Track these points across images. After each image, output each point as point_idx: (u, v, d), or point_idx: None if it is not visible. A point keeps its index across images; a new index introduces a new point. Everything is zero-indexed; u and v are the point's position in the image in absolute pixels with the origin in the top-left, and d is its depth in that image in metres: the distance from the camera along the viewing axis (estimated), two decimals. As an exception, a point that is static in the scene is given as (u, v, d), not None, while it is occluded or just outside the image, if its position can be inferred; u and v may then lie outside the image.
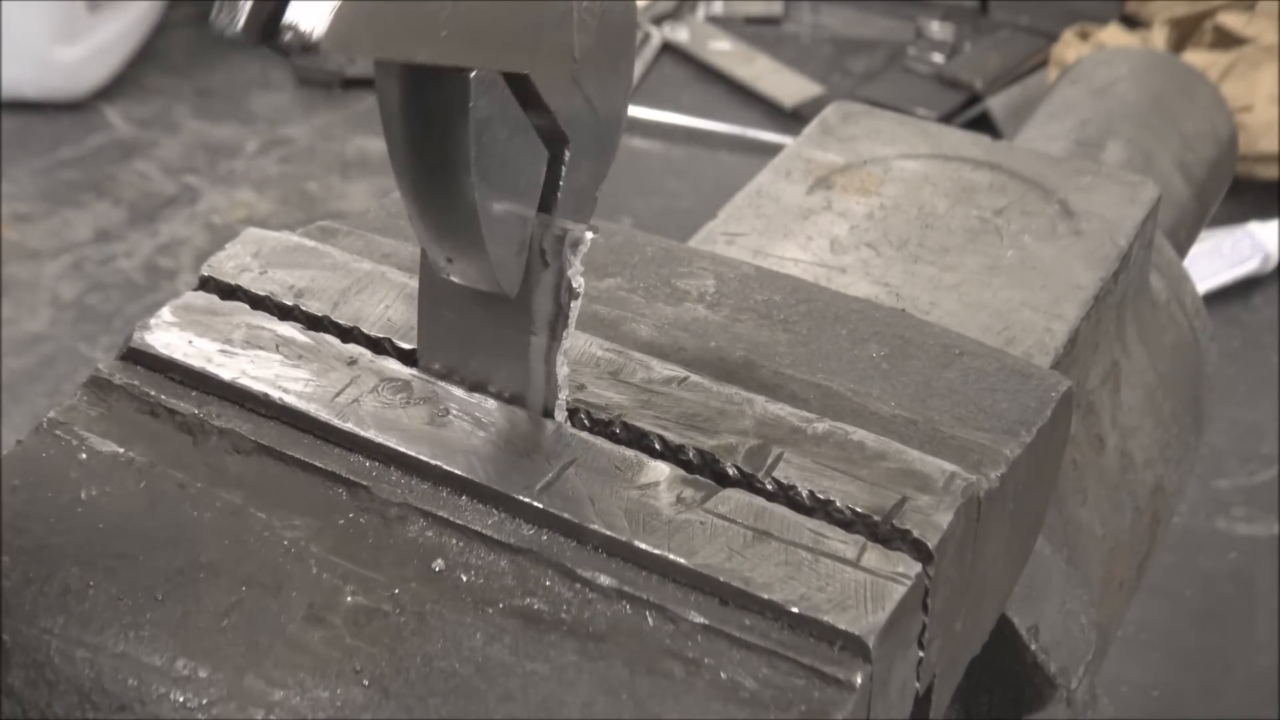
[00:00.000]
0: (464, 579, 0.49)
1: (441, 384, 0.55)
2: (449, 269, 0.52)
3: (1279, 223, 2.12)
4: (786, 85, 2.56)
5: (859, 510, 0.50)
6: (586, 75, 0.52)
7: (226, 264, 0.60)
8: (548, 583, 0.48)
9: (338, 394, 0.54)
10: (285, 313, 0.58)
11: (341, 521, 0.51)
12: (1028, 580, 0.66)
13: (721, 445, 0.52)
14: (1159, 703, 1.47)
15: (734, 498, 0.51)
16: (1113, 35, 2.43)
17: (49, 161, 2.34)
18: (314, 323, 0.58)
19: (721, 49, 2.67)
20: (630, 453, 0.52)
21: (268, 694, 0.46)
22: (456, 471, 0.51)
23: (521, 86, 0.49)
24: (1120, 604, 0.81)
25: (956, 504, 0.50)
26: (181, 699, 0.46)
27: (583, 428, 0.54)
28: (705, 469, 0.52)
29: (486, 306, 0.53)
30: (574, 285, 0.52)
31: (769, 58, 2.64)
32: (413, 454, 0.52)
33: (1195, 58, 2.29)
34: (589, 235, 0.53)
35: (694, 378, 0.55)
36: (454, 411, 0.54)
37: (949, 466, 0.52)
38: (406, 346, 0.56)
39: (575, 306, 0.53)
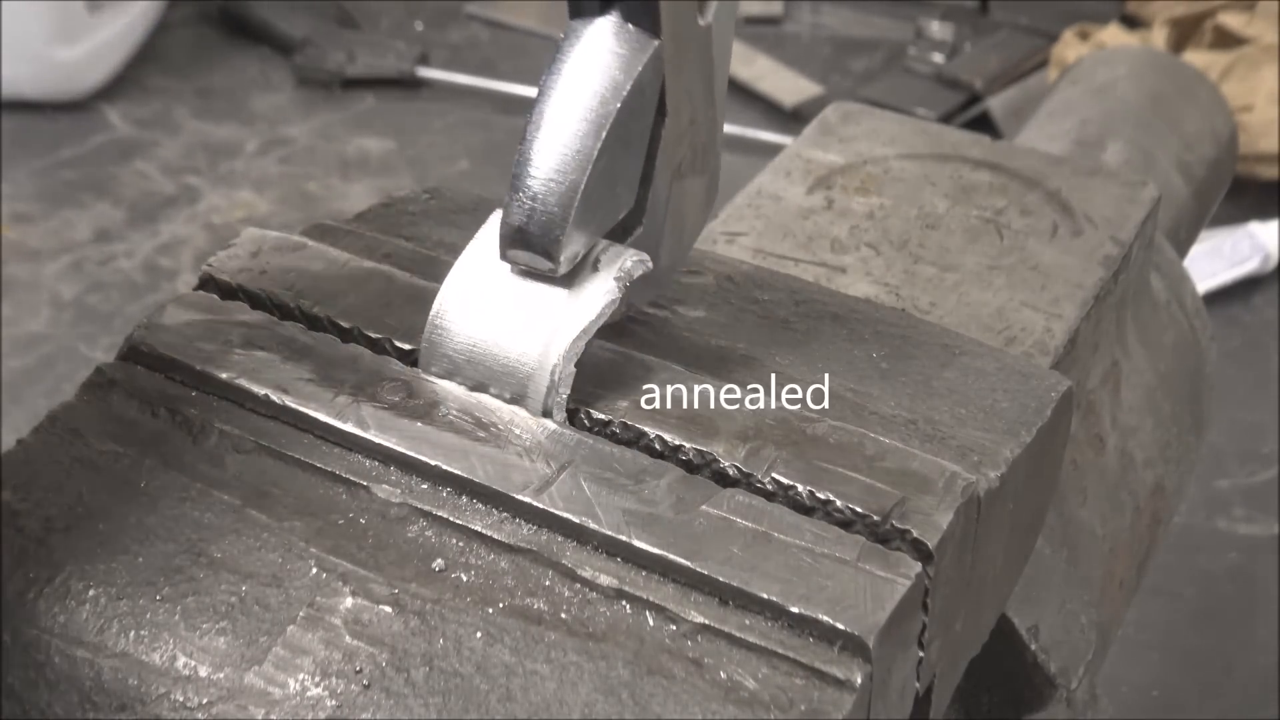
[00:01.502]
0: (464, 579, 0.49)
1: (442, 384, 0.55)
2: (519, 222, 0.53)
3: (1279, 223, 2.12)
4: (786, 85, 2.56)
5: (859, 510, 0.50)
6: (674, 201, 0.57)
7: (226, 263, 0.60)
8: (548, 583, 0.48)
9: (338, 394, 0.54)
10: (285, 313, 0.58)
11: (341, 521, 0.51)
12: (1028, 580, 0.66)
13: (721, 445, 0.52)
14: (1159, 703, 1.47)
15: (734, 498, 0.51)
16: (1113, 35, 2.43)
17: (49, 161, 2.34)
18: (314, 322, 0.58)
19: (721, 49, 2.66)
20: (630, 453, 0.52)
21: (268, 694, 0.46)
22: (456, 471, 0.51)
23: (655, 134, 0.54)
24: (1120, 604, 0.81)
25: (956, 504, 0.50)
26: (181, 699, 0.46)
27: (582, 428, 0.54)
28: (705, 469, 0.52)
29: (513, 301, 0.53)
30: (614, 296, 0.53)
31: (769, 58, 2.64)
32: (413, 454, 0.52)
33: (1195, 58, 2.29)
34: (649, 263, 0.55)
35: (694, 378, 0.56)
36: (454, 411, 0.54)
37: (949, 466, 0.52)
38: (406, 347, 0.56)
39: (606, 313, 0.53)
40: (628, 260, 0.54)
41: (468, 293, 0.55)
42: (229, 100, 2.54)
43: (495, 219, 0.55)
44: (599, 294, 0.53)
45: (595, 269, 0.54)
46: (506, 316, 0.54)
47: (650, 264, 0.55)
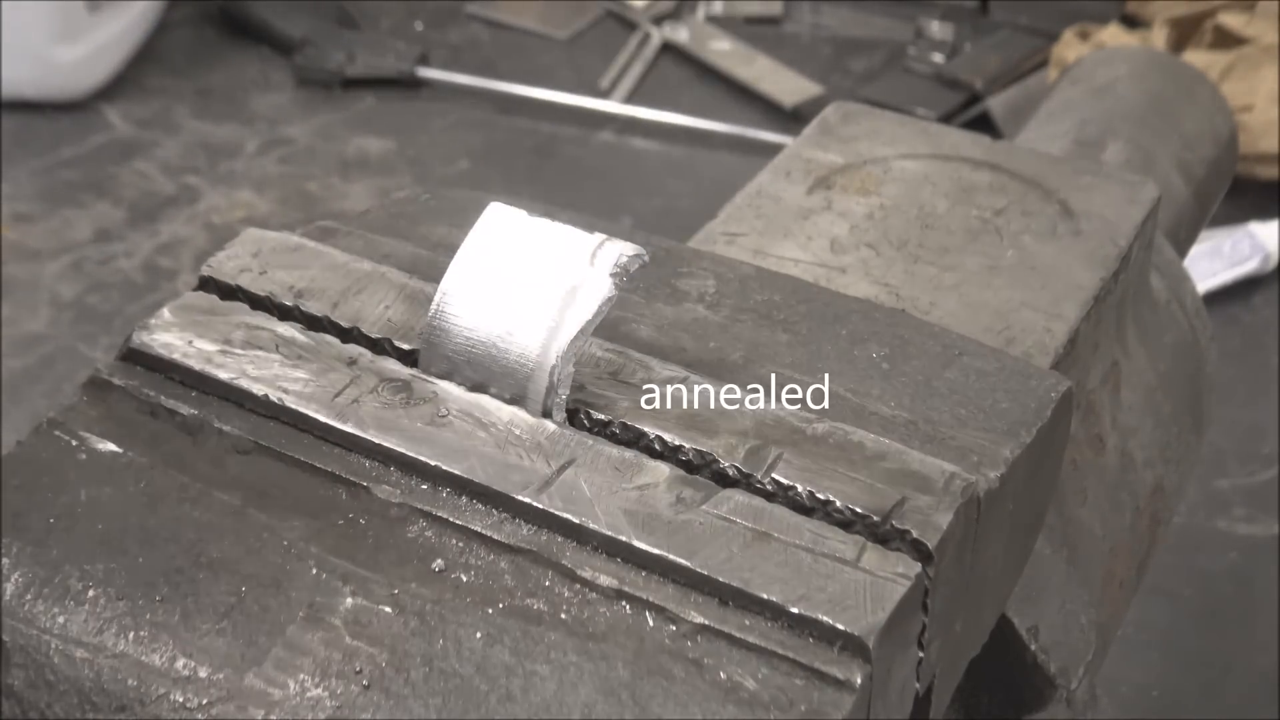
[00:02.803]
0: (464, 579, 0.49)
1: (441, 384, 0.55)
2: None
3: (1279, 223, 2.12)
4: (786, 85, 2.56)
5: (858, 510, 0.50)
6: None
7: (226, 264, 0.60)
8: (547, 583, 0.48)
9: (337, 394, 0.54)
10: (285, 313, 0.58)
11: (341, 522, 0.51)
12: (1028, 580, 0.66)
13: (721, 445, 0.52)
14: (1159, 703, 1.47)
15: (733, 498, 0.51)
16: (1113, 35, 2.43)
17: (49, 161, 2.33)
18: (314, 323, 0.58)
19: (721, 49, 2.66)
20: (630, 453, 0.52)
21: (268, 694, 0.46)
22: (456, 472, 0.51)
23: None
24: (1120, 604, 0.81)
25: (956, 504, 0.50)
26: (181, 699, 0.46)
27: (582, 428, 0.54)
28: (705, 469, 0.52)
29: (511, 301, 0.53)
30: (611, 294, 0.53)
31: (769, 58, 2.64)
32: (412, 454, 0.52)
33: (1195, 58, 2.29)
34: (646, 257, 0.54)
35: (693, 378, 0.55)
36: (454, 412, 0.54)
37: (949, 467, 0.52)
38: (406, 347, 0.56)
39: (604, 310, 0.53)
40: (624, 255, 0.54)
41: (465, 293, 0.55)
42: (229, 100, 2.54)
43: (489, 215, 0.55)
44: (596, 292, 0.53)
45: (591, 265, 0.53)
46: (505, 316, 0.54)
47: (646, 257, 0.55)
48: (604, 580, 0.48)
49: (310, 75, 2.57)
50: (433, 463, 0.52)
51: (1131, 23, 2.59)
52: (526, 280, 0.54)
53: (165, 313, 0.58)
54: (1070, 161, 0.91)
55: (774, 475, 0.51)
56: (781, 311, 0.63)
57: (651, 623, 0.47)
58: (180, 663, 0.47)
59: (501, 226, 0.55)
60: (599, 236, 0.54)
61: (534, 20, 2.81)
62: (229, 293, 0.59)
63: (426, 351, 0.55)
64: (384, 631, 0.47)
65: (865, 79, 2.63)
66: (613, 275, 0.53)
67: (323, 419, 0.53)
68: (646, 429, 0.53)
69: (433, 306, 0.55)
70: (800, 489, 0.51)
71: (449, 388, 0.55)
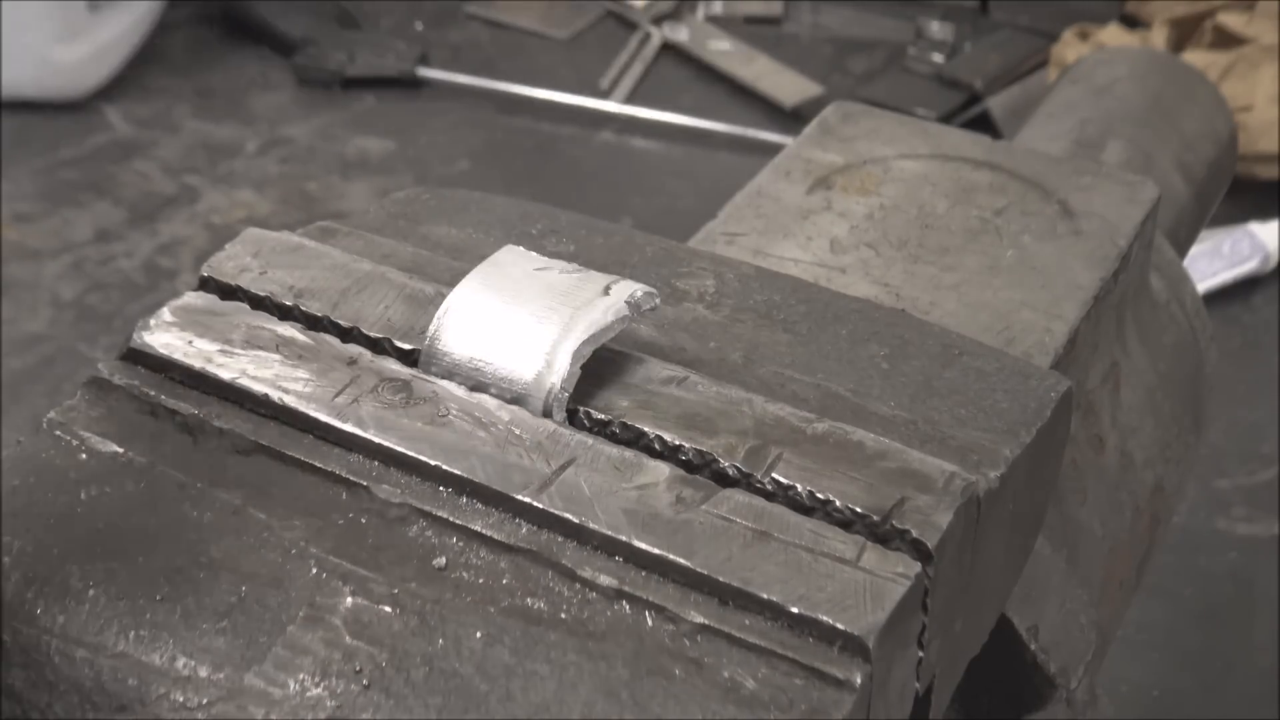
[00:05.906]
0: (464, 579, 0.49)
1: (442, 384, 0.55)
2: None
3: (1279, 223, 2.12)
4: (786, 85, 2.56)
5: (858, 510, 0.50)
6: None
7: (226, 264, 0.60)
8: (548, 583, 0.48)
9: (338, 394, 0.54)
10: (285, 313, 0.58)
11: (341, 521, 0.51)
12: (1028, 580, 0.66)
13: (721, 445, 0.52)
14: (1159, 703, 1.47)
15: (733, 498, 0.51)
16: (1113, 35, 2.43)
17: (49, 161, 2.34)
18: (314, 323, 0.58)
19: (721, 49, 2.67)
20: (629, 453, 0.52)
21: (268, 694, 0.46)
22: (456, 471, 0.51)
23: None
24: (1120, 604, 0.81)
25: (956, 504, 0.50)
26: (181, 699, 0.46)
27: (582, 428, 0.54)
28: (704, 469, 0.52)
29: (519, 310, 0.54)
30: (624, 314, 0.54)
31: (769, 58, 2.64)
32: (413, 454, 0.52)
33: (1195, 58, 2.29)
34: (658, 299, 0.55)
35: (693, 378, 0.56)
36: (454, 412, 0.54)
37: (949, 466, 0.52)
38: (406, 346, 0.56)
39: (615, 328, 0.54)
40: (638, 291, 0.54)
41: (476, 297, 0.55)
42: (229, 100, 2.54)
43: (501, 253, 0.56)
44: (610, 307, 0.54)
45: (606, 294, 0.54)
46: (511, 320, 0.54)
47: (658, 299, 0.55)
48: (604, 580, 0.48)
49: (310, 75, 2.57)
50: (433, 462, 0.52)
51: (1131, 23, 2.59)
52: (536, 293, 0.54)
53: (165, 313, 0.58)
54: (1070, 161, 0.91)
55: (774, 475, 0.51)
56: (781, 311, 0.63)
57: (651, 622, 0.47)
58: (180, 662, 0.47)
59: (514, 261, 0.56)
60: (613, 276, 0.55)
61: (534, 20, 2.81)
62: (229, 293, 0.59)
63: (427, 351, 0.55)
64: (384, 631, 0.47)
65: (865, 79, 2.64)
66: (627, 303, 0.54)
67: (323, 418, 0.53)
68: (646, 429, 0.53)
69: (442, 308, 0.55)
70: (800, 489, 0.51)
71: (449, 387, 0.55)
